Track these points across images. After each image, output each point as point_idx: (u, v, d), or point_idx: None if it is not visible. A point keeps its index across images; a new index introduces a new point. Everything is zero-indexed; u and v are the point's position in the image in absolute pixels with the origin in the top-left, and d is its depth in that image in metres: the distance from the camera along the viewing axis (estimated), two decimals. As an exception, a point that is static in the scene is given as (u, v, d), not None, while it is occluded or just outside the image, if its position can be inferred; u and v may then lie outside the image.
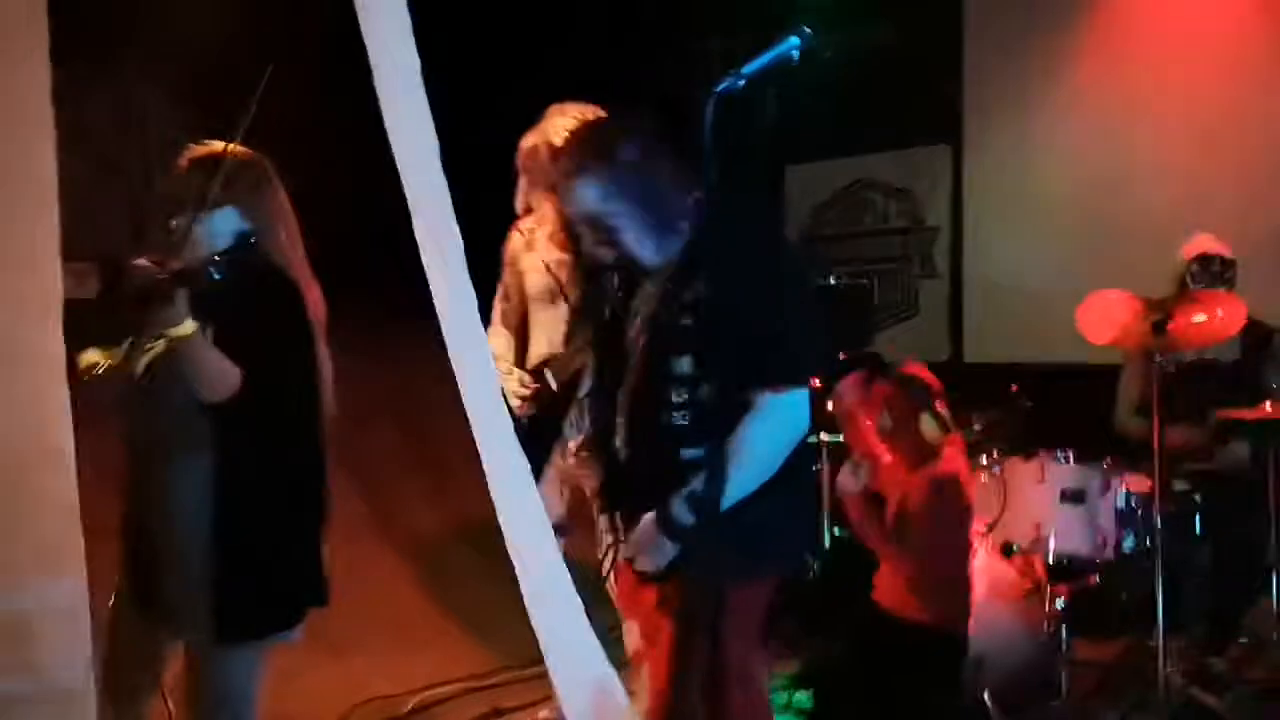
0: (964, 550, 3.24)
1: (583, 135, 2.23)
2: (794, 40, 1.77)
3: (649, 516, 2.05)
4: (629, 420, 2.20)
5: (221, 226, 2.22)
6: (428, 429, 4.51)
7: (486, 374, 1.63)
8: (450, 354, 1.66)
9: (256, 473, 2.20)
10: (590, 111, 3.21)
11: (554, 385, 3.26)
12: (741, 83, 1.72)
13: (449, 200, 1.68)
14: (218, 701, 2.25)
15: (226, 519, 2.16)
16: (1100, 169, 5.52)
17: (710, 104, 1.68)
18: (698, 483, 1.94)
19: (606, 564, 3.20)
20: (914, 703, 3.05)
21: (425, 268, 1.81)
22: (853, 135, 6.41)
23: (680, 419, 2.09)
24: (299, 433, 2.27)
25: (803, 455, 2.28)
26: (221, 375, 2.10)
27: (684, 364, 2.09)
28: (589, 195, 2.10)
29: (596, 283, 2.27)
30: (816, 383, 4.64)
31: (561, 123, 3.19)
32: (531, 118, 3.30)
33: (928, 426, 3.12)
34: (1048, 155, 5.78)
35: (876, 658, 3.08)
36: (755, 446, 2.02)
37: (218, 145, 2.28)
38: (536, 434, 3.34)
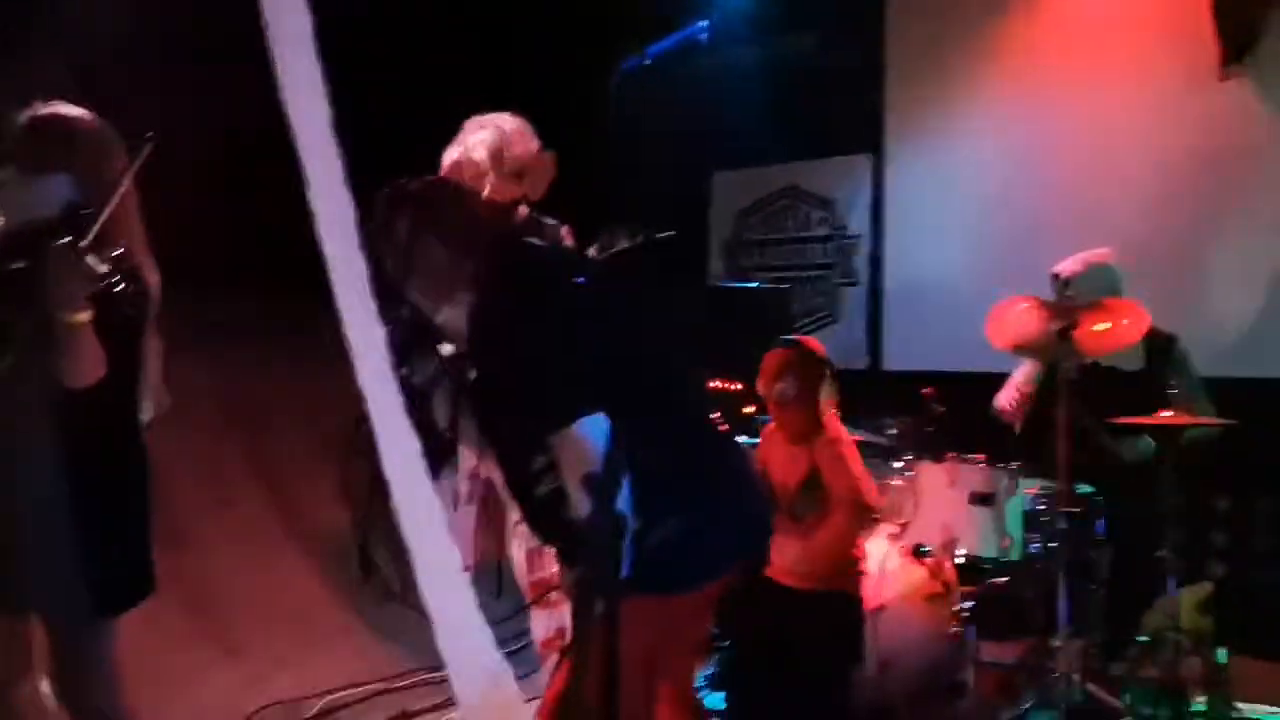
0: (861, 514, 3.26)
1: (376, 200, 2.17)
2: (702, 24, 1.77)
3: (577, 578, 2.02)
4: (514, 493, 2.21)
5: (53, 193, 2.12)
6: (333, 427, 4.45)
7: (380, 360, 1.60)
8: (347, 341, 1.63)
9: (94, 460, 2.22)
10: (507, 121, 3.20)
11: None
12: (647, 61, 1.71)
13: (351, 210, 1.65)
14: (92, 678, 2.30)
15: (71, 503, 2.17)
16: (1017, 181, 5.65)
17: (615, 81, 1.66)
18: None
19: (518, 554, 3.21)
20: (825, 666, 3.07)
21: (324, 259, 1.77)
22: (777, 143, 6.49)
23: (551, 483, 2.06)
24: (127, 417, 2.32)
25: (719, 464, 2.28)
26: (96, 361, 2.11)
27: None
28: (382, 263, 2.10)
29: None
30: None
31: (481, 136, 3.18)
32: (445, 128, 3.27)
33: (826, 393, 3.17)
34: (966, 167, 5.90)
35: (786, 629, 3.09)
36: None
37: (67, 109, 2.26)
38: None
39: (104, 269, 2.08)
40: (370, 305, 1.61)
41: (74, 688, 2.30)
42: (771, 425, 3.25)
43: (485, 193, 3.12)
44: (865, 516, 3.22)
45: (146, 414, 2.38)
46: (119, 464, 2.32)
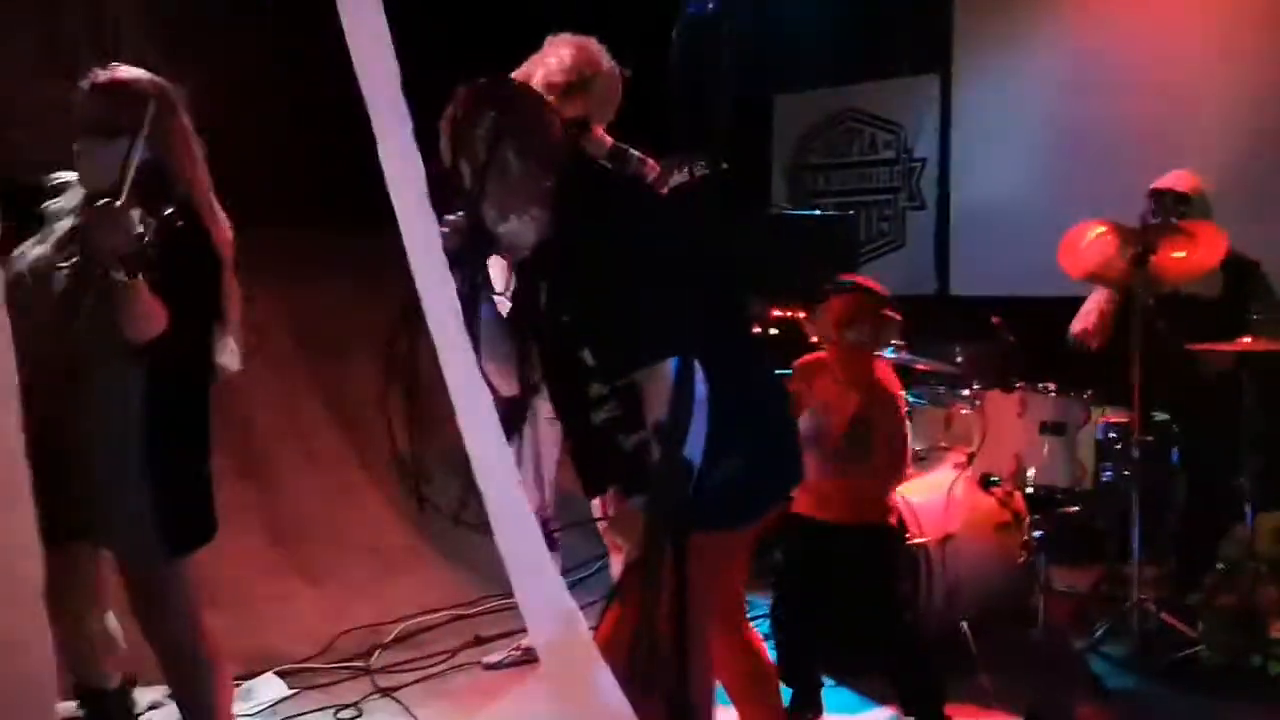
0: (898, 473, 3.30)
1: (456, 96, 2.13)
2: None
3: (631, 507, 2.03)
4: (563, 417, 2.21)
5: (122, 155, 2.20)
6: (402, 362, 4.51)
7: (454, 320, 1.61)
8: (416, 283, 1.63)
9: (162, 401, 2.32)
10: (580, 40, 3.15)
11: None
12: (712, 4, 1.66)
13: (410, 131, 1.63)
14: (168, 612, 2.41)
15: (147, 441, 2.30)
16: (1089, 101, 5.46)
17: (680, 27, 1.62)
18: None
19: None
20: (872, 596, 3.14)
21: (390, 193, 1.76)
22: (841, 65, 6.34)
23: (610, 411, 2.06)
24: (199, 364, 2.39)
25: (771, 399, 2.29)
26: (152, 319, 2.18)
27: (588, 356, 2.07)
28: (443, 150, 2.05)
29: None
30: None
31: (553, 50, 3.14)
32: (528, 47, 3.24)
33: (888, 330, 3.16)
34: (1037, 86, 5.72)
35: (832, 561, 3.13)
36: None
37: (124, 71, 2.33)
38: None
39: (141, 228, 2.16)
40: (442, 260, 1.61)
41: (151, 622, 2.43)
42: (821, 359, 3.23)
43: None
44: (899, 477, 3.27)
45: (231, 363, 2.43)
46: (185, 412, 2.40)
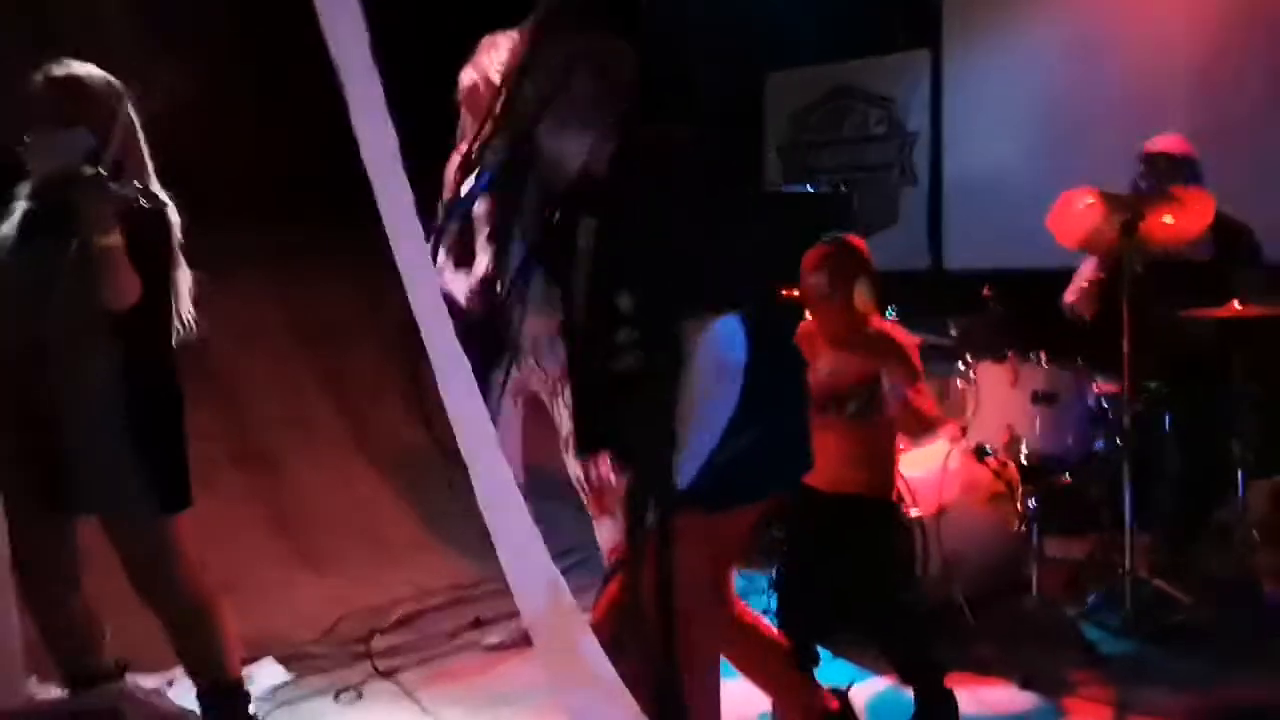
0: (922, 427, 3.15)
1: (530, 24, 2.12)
2: None
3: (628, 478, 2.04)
4: (583, 362, 2.18)
5: (74, 143, 2.41)
6: (405, 343, 4.54)
7: (428, 278, 1.63)
8: (396, 258, 1.65)
9: (137, 367, 2.46)
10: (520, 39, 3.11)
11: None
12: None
13: (393, 134, 1.64)
14: (165, 565, 2.52)
15: (125, 409, 2.43)
16: (1079, 73, 5.46)
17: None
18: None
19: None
20: (872, 573, 3.05)
21: (363, 155, 1.76)
22: (832, 42, 6.33)
23: (632, 362, 2.00)
24: (161, 339, 2.54)
25: (789, 381, 2.28)
26: (132, 284, 2.33)
27: (625, 301, 2.02)
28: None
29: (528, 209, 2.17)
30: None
31: (496, 56, 3.13)
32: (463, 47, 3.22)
33: (863, 290, 2.99)
34: (1027, 59, 5.71)
35: (826, 537, 3.07)
36: (690, 382, 1.95)
37: (78, 67, 2.50)
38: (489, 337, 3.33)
39: (126, 192, 2.36)
40: (419, 230, 1.62)
41: (149, 580, 2.54)
42: (809, 324, 3.11)
43: None
44: (925, 430, 3.04)
45: (174, 338, 2.59)
46: (157, 375, 2.54)
